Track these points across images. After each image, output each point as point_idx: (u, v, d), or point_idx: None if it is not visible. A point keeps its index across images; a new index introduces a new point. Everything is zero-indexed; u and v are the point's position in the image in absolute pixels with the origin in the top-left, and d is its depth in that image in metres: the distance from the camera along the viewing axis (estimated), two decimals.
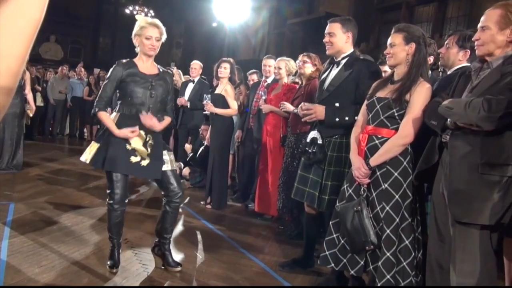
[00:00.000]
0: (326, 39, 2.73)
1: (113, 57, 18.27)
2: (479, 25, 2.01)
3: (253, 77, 5.35)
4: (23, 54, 0.57)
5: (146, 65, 2.69)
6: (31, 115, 5.09)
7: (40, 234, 3.23)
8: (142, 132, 2.62)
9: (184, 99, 5.65)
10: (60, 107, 9.37)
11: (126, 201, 2.75)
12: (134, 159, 2.61)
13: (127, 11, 15.61)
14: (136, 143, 2.62)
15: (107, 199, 2.69)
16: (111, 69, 2.67)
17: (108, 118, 2.62)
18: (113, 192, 2.65)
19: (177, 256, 3.07)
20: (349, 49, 2.74)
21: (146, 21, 2.63)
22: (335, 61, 2.76)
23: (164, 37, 2.69)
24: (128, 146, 2.60)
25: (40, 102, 8.62)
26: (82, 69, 10.01)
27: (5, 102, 0.57)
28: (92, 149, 2.65)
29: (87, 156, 2.65)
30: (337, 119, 2.62)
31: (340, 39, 2.70)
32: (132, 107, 2.63)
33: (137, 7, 15.32)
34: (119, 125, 2.60)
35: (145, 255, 3.02)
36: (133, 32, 2.65)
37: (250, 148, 4.73)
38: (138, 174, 2.81)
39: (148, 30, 2.60)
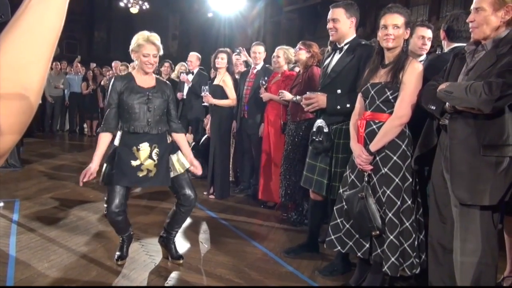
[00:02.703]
0: (330, 25, 2.70)
1: (108, 51, 18.23)
2: (473, 6, 2.00)
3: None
4: (45, 68, 0.57)
5: (144, 78, 2.69)
6: None
7: (47, 230, 3.28)
8: (147, 145, 2.63)
9: (181, 94, 5.65)
10: (58, 103, 9.37)
11: (125, 208, 2.70)
12: (140, 173, 2.62)
13: (122, 4, 15.48)
14: (142, 156, 2.62)
15: (105, 210, 2.66)
16: (110, 85, 2.69)
17: (103, 144, 2.63)
18: (112, 202, 2.60)
19: (182, 246, 3.12)
20: (352, 34, 2.72)
21: (144, 38, 2.60)
22: (338, 47, 2.75)
23: (161, 52, 2.69)
24: (133, 163, 2.60)
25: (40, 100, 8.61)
26: (78, 64, 9.98)
27: (22, 128, 0.55)
28: (103, 169, 2.67)
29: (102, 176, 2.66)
30: (338, 107, 2.63)
31: (344, 25, 2.68)
32: (131, 123, 2.61)
33: (131, 0, 15.19)
34: (124, 141, 2.62)
35: (152, 246, 3.07)
36: (131, 47, 2.65)
37: (245, 138, 4.69)
38: (147, 184, 2.83)
39: (145, 48, 2.59)
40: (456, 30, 2.52)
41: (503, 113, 1.89)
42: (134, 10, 15.10)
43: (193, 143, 5.67)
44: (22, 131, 0.56)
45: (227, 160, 4.68)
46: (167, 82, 2.90)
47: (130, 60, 3.45)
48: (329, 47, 3.58)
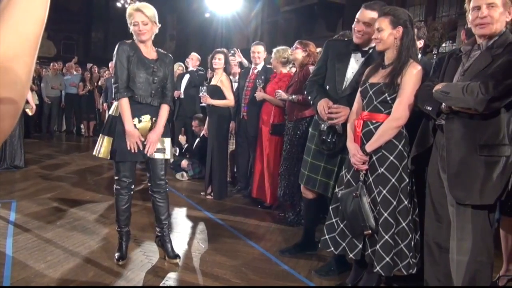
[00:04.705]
0: (358, 27, 2.50)
1: (106, 52, 18.20)
2: (486, 1, 1.92)
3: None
4: (31, 60, 0.57)
5: (146, 49, 2.71)
6: (31, 113, 5.05)
7: (43, 230, 3.27)
8: (148, 117, 2.69)
9: (178, 92, 5.69)
10: (56, 104, 9.35)
11: (133, 187, 2.82)
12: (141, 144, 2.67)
13: (119, 4, 15.49)
14: (143, 128, 2.68)
15: (115, 185, 2.78)
16: (115, 51, 2.63)
17: (127, 109, 2.61)
18: (120, 179, 2.73)
19: (180, 246, 3.12)
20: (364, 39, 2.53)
21: (132, 8, 2.63)
22: (360, 50, 2.55)
23: (153, 19, 2.65)
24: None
25: (36, 101, 8.60)
26: (73, 65, 9.96)
27: (16, 113, 0.55)
28: (103, 142, 2.70)
29: (99, 149, 2.70)
30: None
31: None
32: (136, 91, 2.63)
33: (128, 0, 15.19)
34: None
35: (149, 246, 3.07)
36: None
37: (244, 139, 4.70)
38: (146, 157, 2.77)
39: (134, 16, 2.61)
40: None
41: (499, 113, 1.91)
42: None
43: (186, 145, 5.69)
44: (9, 132, 0.56)
45: (225, 160, 4.68)
46: (168, 54, 2.87)
47: None
48: (298, 51, 3.54)
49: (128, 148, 2.63)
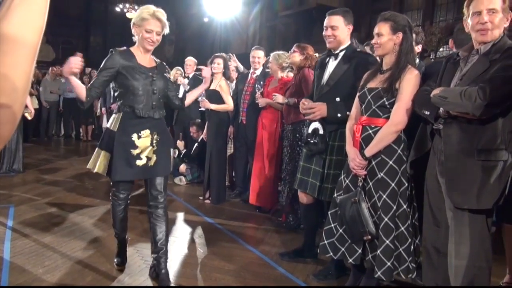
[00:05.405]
0: (328, 33, 2.70)
1: (104, 56, 18.18)
2: (486, 7, 1.92)
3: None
4: (30, 67, 0.57)
5: (144, 57, 2.49)
6: (29, 118, 5.04)
7: (41, 235, 3.26)
8: (148, 132, 2.48)
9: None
10: (54, 108, 9.35)
11: (129, 196, 2.69)
12: (140, 162, 2.46)
13: (117, 9, 15.51)
14: (143, 143, 2.47)
15: (111, 195, 2.63)
16: (106, 58, 2.42)
17: (78, 85, 2.38)
18: (118, 191, 2.58)
19: (178, 251, 3.11)
20: (348, 41, 2.75)
21: (149, 12, 2.38)
22: (333, 54, 2.76)
23: (166, 31, 2.47)
24: (133, 151, 2.45)
25: (36, 105, 8.60)
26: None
27: (14, 119, 0.55)
28: (99, 156, 2.51)
29: (96, 164, 2.51)
30: (339, 115, 2.64)
31: (342, 32, 2.70)
32: (136, 106, 2.43)
33: (127, 5, 15.22)
34: (124, 126, 2.45)
35: (146, 251, 3.05)
36: (133, 20, 2.43)
37: (243, 143, 4.70)
38: (147, 176, 2.57)
39: (149, 23, 2.37)
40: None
41: (497, 118, 1.91)
42: (130, 15, 15.10)
43: (184, 151, 5.69)
44: (8, 138, 0.56)
45: (223, 165, 4.68)
46: (163, 62, 2.67)
47: None
48: (295, 54, 3.69)
49: (130, 156, 2.43)
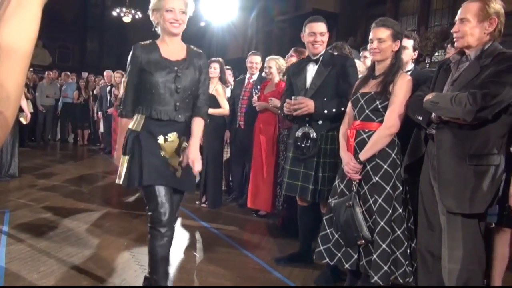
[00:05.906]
0: (316, 39, 2.78)
1: (101, 61, 18.19)
2: (458, 17, 2.05)
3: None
4: (22, 75, 0.58)
5: (171, 48, 2.13)
6: (25, 122, 5.02)
7: (37, 241, 3.25)
8: (176, 136, 2.13)
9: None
10: (50, 113, 9.33)
11: (175, 224, 2.18)
12: (170, 168, 2.14)
13: (114, 13, 15.49)
14: (169, 149, 2.12)
15: (149, 223, 2.10)
16: (129, 57, 2.12)
17: (125, 131, 2.13)
18: (158, 212, 2.03)
19: (174, 256, 3.11)
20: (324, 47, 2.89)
21: None
22: (312, 59, 2.85)
23: (191, 9, 2.12)
24: (162, 153, 2.11)
25: (31, 109, 8.58)
26: (68, 74, 9.95)
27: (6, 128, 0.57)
28: (123, 166, 2.11)
29: (120, 174, 2.12)
30: (325, 111, 2.72)
31: (326, 39, 2.83)
32: (154, 107, 2.07)
33: (124, 9, 15.21)
34: (146, 128, 2.10)
35: (143, 256, 3.03)
36: (150, 7, 2.11)
37: (239, 148, 4.70)
38: (176, 186, 2.18)
39: (169, 1, 2.03)
40: None
41: (488, 123, 1.94)
42: (127, 19, 15.11)
43: None
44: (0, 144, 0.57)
45: (220, 169, 4.69)
46: (201, 51, 2.26)
47: (123, 69, 3.40)
48: (292, 58, 3.81)
49: (160, 158, 2.07)
